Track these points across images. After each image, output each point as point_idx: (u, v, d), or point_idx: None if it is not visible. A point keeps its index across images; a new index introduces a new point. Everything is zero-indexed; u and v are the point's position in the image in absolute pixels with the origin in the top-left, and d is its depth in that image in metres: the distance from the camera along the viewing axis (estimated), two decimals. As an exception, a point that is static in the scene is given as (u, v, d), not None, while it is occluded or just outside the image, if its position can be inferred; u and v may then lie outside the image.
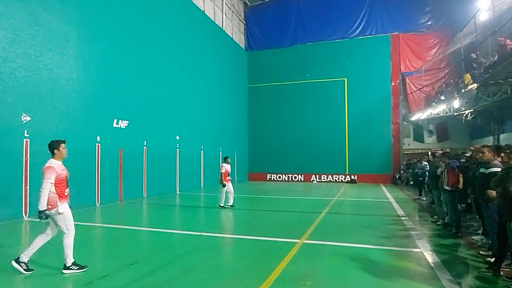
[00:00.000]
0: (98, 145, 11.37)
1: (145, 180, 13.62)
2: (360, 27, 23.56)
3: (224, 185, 10.97)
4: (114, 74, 12.19)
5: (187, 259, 5.24)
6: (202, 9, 19.53)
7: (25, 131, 9.04)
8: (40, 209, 4.31)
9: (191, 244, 6.24)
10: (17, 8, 8.96)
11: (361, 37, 23.54)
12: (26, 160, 8.98)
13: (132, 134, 12.89)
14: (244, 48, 26.02)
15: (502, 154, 5.15)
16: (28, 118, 9.15)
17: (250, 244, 6.39)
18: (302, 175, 24.27)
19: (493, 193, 4.68)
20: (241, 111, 24.75)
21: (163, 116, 14.90)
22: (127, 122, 12.67)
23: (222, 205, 11.13)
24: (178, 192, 15.73)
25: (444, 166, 7.63)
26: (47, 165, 4.40)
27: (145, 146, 13.64)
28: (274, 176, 24.98)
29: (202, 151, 18.31)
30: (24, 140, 9.00)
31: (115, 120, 12.19)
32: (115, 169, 12.08)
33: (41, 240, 4.54)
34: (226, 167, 11.07)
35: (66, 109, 10.32)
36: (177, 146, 15.93)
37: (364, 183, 21.65)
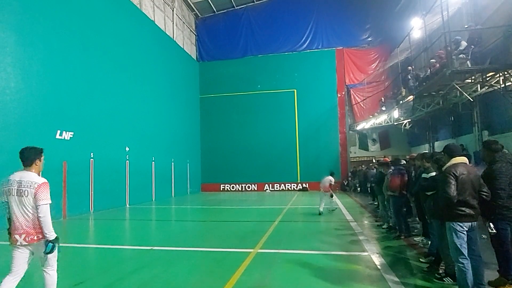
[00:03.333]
0: (39, 159, 10.55)
1: (92, 194, 12.90)
2: (308, 41, 24.70)
3: (332, 195, 11.91)
4: (57, 83, 11.50)
5: (137, 276, 5.06)
6: (152, 18, 19.21)
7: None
8: (53, 237, 3.37)
9: (141, 260, 6.03)
10: None
11: (308, 50, 24.64)
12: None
13: (78, 146, 12.19)
14: (195, 58, 25.93)
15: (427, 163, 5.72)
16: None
17: (203, 256, 6.33)
18: (255, 185, 24.49)
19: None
20: (193, 121, 24.50)
21: (111, 126, 14.28)
22: (72, 133, 11.98)
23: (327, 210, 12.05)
24: (128, 206, 15.09)
25: (387, 173, 8.15)
26: (41, 181, 3.37)
27: (92, 158, 12.95)
28: (227, 186, 24.93)
29: (153, 162, 17.79)
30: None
31: (59, 131, 11.47)
32: (59, 183, 11.30)
33: (9, 285, 3.38)
34: (331, 179, 11.94)
35: (2, 120, 9.52)
36: (127, 158, 15.33)
37: (316, 191, 22.31)
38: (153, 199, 17.63)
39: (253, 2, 25.36)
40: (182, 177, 21.68)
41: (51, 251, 3.36)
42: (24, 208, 3.32)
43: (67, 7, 12.19)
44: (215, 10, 25.63)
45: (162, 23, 20.51)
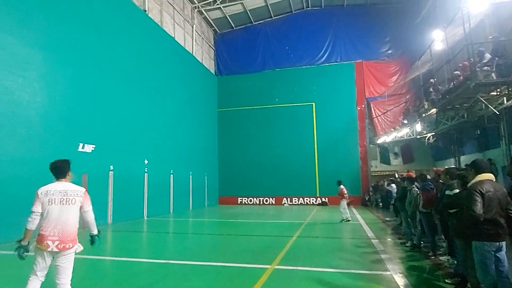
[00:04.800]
0: (61, 171, 10.79)
1: (110, 205, 13.04)
2: (326, 55, 24.65)
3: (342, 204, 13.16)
4: (80, 98, 11.83)
5: (153, 290, 4.98)
6: (173, 35, 19.67)
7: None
8: (96, 232, 3.91)
9: (156, 274, 5.95)
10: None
11: (326, 64, 24.55)
12: (-21, 188, 8.37)
13: (99, 159, 12.42)
14: (214, 73, 26.30)
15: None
16: (-15, 143, 8.62)
17: (218, 271, 6.20)
18: (273, 198, 24.24)
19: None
20: (211, 135, 24.68)
21: (131, 140, 14.53)
22: (94, 146, 12.24)
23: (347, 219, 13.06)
24: (145, 218, 15.17)
25: (418, 188, 7.80)
26: (83, 189, 3.74)
27: (111, 170, 13.15)
28: (245, 199, 24.77)
29: (171, 175, 17.91)
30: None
31: (81, 144, 11.74)
32: (78, 195, 11.47)
33: (35, 284, 3.52)
34: (339, 188, 13.36)
35: (27, 132, 9.82)
36: (146, 170, 15.50)
37: (335, 206, 21.86)
38: (171, 212, 17.67)
39: (271, 17, 25.64)
40: (200, 190, 21.72)
41: (95, 242, 3.88)
42: (66, 216, 3.53)
43: (91, 26, 12.63)
44: (233, 26, 26.05)
45: (182, 39, 20.97)
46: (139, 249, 9.02)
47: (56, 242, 3.45)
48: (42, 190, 3.52)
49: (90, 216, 3.76)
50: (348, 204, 13.77)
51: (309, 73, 24.62)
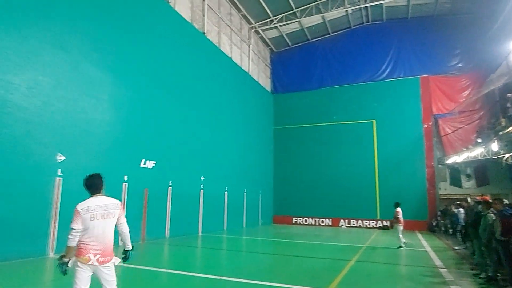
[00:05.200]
0: (125, 185, 11.53)
1: (168, 220, 13.54)
2: (388, 70, 23.51)
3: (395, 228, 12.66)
4: (143, 116, 12.64)
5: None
6: (230, 55, 20.38)
7: (59, 170, 9.35)
8: (131, 246, 3.92)
9: (208, 290, 5.91)
10: (61, 57, 9.68)
11: (389, 79, 23.42)
12: (57, 198, 9.18)
13: (158, 174, 13.06)
14: (270, 91, 26.58)
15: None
16: (63, 158, 9.50)
17: (271, 292, 5.97)
18: (330, 220, 23.29)
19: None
20: (266, 153, 24.74)
21: (189, 157, 15.09)
22: (154, 162, 12.90)
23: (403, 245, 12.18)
24: (200, 234, 15.45)
25: (494, 214, 6.95)
26: (119, 201, 3.85)
27: (170, 186, 13.72)
28: (300, 219, 24.16)
29: (226, 192, 18.17)
30: (57, 178, 9.27)
31: (143, 161, 12.45)
32: (140, 208, 12.13)
33: None
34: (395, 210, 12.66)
35: (98, 149, 10.68)
36: (202, 187, 15.92)
37: (397, 230, 20.35)
38: (225, 229, 17.82)
39: (329, 34, 25.37)
40: (254, 208, 21.70)
41: (129, 258, 3.81)
42: (108, 230, 3.59)
43: (155, 49, 13.56)
44: (289, 44, 26.26)
45: (238, 59, 21.63)
46: (193, 264, 9.13)
47: (98, 256, 3.48)
48: (82, 207, 3.51)
49: (126, 228, 3.81)
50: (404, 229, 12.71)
51: (370, 89, 23.66)
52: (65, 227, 3.85)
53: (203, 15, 17.59)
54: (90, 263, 3.44)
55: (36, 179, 8.80)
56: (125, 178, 11.56)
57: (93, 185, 3.68)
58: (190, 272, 7.53)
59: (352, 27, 24.91)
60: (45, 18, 9.35)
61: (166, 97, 13.99)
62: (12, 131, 8.36)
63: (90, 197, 3.64)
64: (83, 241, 3.50)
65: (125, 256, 3.83)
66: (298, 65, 26.09)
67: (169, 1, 14.83)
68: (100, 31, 11.10)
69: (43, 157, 9.02)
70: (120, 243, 3.94)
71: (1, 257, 7.70)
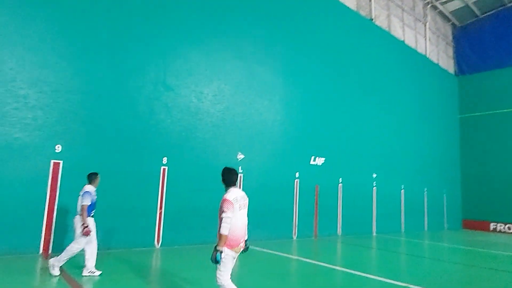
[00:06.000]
0: (297, 181, 12.02)
1: (340, 217, 13.37)
2: None
3: None
4: (312, 114, 12.85)
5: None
6: (402, 39, 18.43)
7: (240, 167, 10.57)
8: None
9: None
10: (238, 66, 10.87)
11: None
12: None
13: (328, 171, 13.03)
14: (453, 73, 22.67)
15: None
16: (242, 156, 10.69)
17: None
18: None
19: None
20: (450, 146, 21.20)
21: (359, 152, 14.46)
22: (324, 159, 12.96)
23: None
24: (374, 234, 14.61)
25: None
26: None
27: (340, 183, 13.50)
28: (500, 226, 19.63)
29: (402, 190, 16.55)
30: (239, 175, 10.50)
31: (313, 157, 12.69)
32: (311, 204, 12.41)
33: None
34: None
35: (272, 147, 11.50)
36: (374, 185, 15.00)
37: None
38: (402, 231, 16.26)
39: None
40: (437, 209, 18.99)
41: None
42: (246, 219, 3.91)
43: (319, 42, 13.53)
44: (478, 14, 21.69)
45: (412, 42, 19.32)
46: (370, 265, 8.63)
47: (242, 244, 3.81)
48: (232, 197, 3.74)
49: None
50: None
51: None
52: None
53: (370, 0, 16.53)
54: (236, 250, 3.73)
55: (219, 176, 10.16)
56: (297, 174, 12.04)
57: (233, 177, 3.93)
58: (366, 273, 7.10)
59: None
60: (225, 32, 10.61)
61: (334, 92, 13.80)
62: (203, 134, 9.87)
63: (229, 188, 3.87)
64: (234, 231, 3.69)
65: (247, 246, 3.98)
66: (490, 38, 21.28)
67: (333, -7, 14.57)
68: (271, 37, 11.84)
69: (227, 156, 10.27)
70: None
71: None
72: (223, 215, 3.59)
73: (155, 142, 8.91)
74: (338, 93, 13.97)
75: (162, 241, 8.75)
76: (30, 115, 7.18)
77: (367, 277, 6.79)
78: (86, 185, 5.76)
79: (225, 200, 3.69)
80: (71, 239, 5.66)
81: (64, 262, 5.52)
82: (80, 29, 7.94)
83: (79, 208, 5.57)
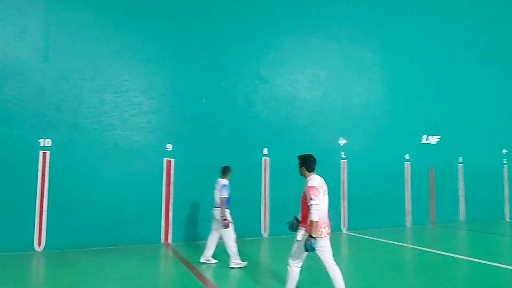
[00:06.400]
0: (408, 164, 11.01)
1: (462, 201, 11.79)
2: None
3: None
4: (421, 89, 11.49)
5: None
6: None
7: (342, 153, 10.16)
8: None
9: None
10: (333, 47, 10.39)
11: None
12: (344, 179, 10.12)
13: (444, 150, 11.60)
14: None
15: None
16: (344, 141, 10.24)
17: None
18: None
19: None
20: None
21: (483, 127, 12.31)
22: (439, 137, 11.56)
23: None
24: (508, 219, 12.51)
25: None
26: None
27: (460, 163, 11.87)
28: None
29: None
30: (341, 161, 10.11)
31: (425, 136, 11.45)
32: (425, 189, 11.25)
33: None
34: None
35: (375, 130, 10.74)
36: (504, 162, 12.75)
37: None
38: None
39: None
40: None
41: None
42: (327, 204, 3.92)
43: (420, 20, 11.94)
44: None
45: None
46: (504, 255, 7.41)
47: (326, 228, 3.78)
48: (317, 183, 3.78)
49: None
50: None
51: None
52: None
53: None
54: (322, 236, 3.70)
55: (324, 162, 9.86)
56: (406, 156, 11.03)
57: (314, 163, 3.96)
58: (498, 263, 6.20)
59: None
60: (316, 15, 10.20)
61: (447, 62, 12.03)
62: (302, 122, 9.79)
63: (311, 174, 3.92)
64: (321, 216, 3.74)
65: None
66: None
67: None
68: (367, 12, 10.96)
69: (328, 142, 10.03)
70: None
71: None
72: (312, 202, 3.59)
73: (255, 133, 9.19)
74: (452, 62, 12.12)
75: (269, 231, 9.00)
76: (144, 119, 8.16)
77: (498, 267, 5.97)
78: (220, 179, 5.93)
79: (311, 187, 3.70)
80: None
81: (236, 254, 5.75)
82: (178, 36, 8.65)
83: (218, 201, 5.79)
